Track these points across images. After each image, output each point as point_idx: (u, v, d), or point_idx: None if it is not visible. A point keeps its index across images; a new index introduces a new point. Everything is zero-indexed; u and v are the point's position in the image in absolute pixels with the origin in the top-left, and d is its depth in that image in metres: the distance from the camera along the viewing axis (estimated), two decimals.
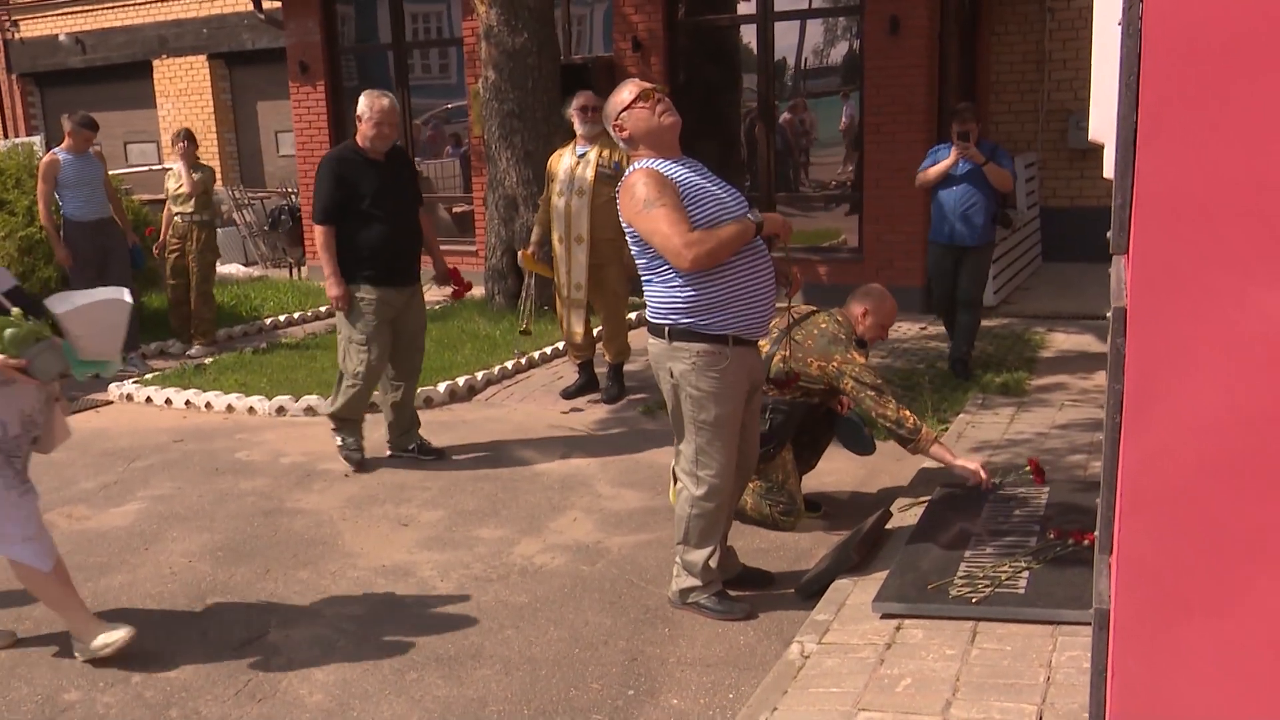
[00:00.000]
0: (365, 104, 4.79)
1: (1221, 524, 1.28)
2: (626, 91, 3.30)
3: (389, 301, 4.85)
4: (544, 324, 7.37)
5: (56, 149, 7.04)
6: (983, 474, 3.90)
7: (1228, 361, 1.27)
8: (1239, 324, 1.25)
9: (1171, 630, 1.33)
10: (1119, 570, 1.40)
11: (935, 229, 6.14)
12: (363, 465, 4.99)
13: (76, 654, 3.25)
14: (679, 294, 3.20)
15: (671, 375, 3.27)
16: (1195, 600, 1.30)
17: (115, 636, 3.20)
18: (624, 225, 3.30)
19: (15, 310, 3.02)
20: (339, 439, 5.04)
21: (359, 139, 4.83)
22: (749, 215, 3.23)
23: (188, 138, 7.41)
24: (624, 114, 3.26)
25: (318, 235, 4.79)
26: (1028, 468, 4.02)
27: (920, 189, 6.26)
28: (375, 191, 4.75)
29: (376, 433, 5.19)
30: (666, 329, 3.25)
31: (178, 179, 7.42)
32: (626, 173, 3.29)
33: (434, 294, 5.76)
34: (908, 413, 3.85)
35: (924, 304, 8.12)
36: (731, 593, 3.46)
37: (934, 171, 5.99)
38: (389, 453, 5.10)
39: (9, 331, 2.93)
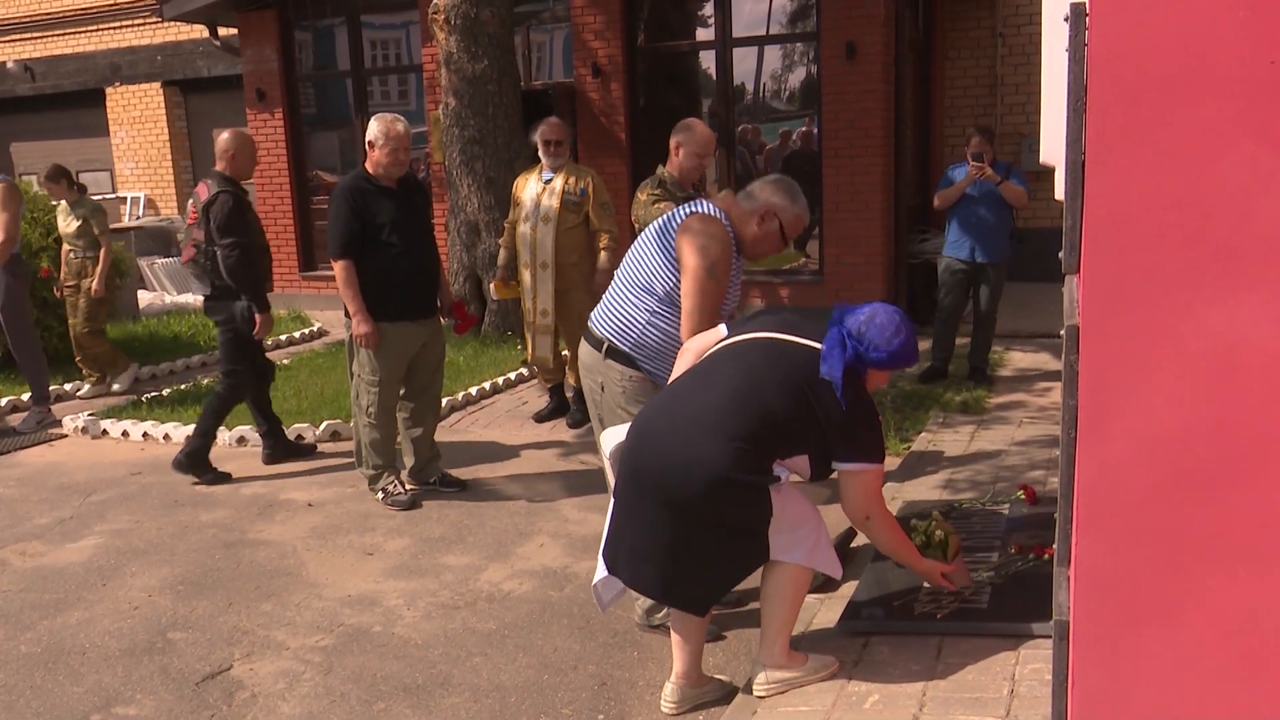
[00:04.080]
0: (379, 129, 4.56)
1: (1174, 533, 1.32)
2: None
3: (412, 336, 4.72)
4: (507, 349, 7.35)
5: None
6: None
7: (1176, 375, 1.31)
8: (1186, 339, 1.30)
9: (1129, 638, 1.36)
10: (1077, 582, 1.44)
11: (953, 246, 6.34)
12: (414, 504, 4.77)
13: (758, 687, 2.83)
14: (644, 332, 3.23)
15: (601, 389, 3.32)
16: (1151, 608, 1.34)
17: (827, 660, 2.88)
18: (672, 245, 3.19)
19: (935, 513, 3.07)
20: (379, 494, 4.81)
21: (370, 166, 4.62)
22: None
23: (55, 177, 7.01)
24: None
25: (338, 271, 4.56)
26: (1021, 493, 4.02)
27: (938, 209, 6.44)
28: (392, 221, 4.56)
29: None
30: (605, 345, 3.28)
31: (65, 217, 7.10)
32: (705, 207, 3.20)
33: None
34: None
35: None
36: None
37: (954, 191, 6.22)
38: (410, 485, 4.90)
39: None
